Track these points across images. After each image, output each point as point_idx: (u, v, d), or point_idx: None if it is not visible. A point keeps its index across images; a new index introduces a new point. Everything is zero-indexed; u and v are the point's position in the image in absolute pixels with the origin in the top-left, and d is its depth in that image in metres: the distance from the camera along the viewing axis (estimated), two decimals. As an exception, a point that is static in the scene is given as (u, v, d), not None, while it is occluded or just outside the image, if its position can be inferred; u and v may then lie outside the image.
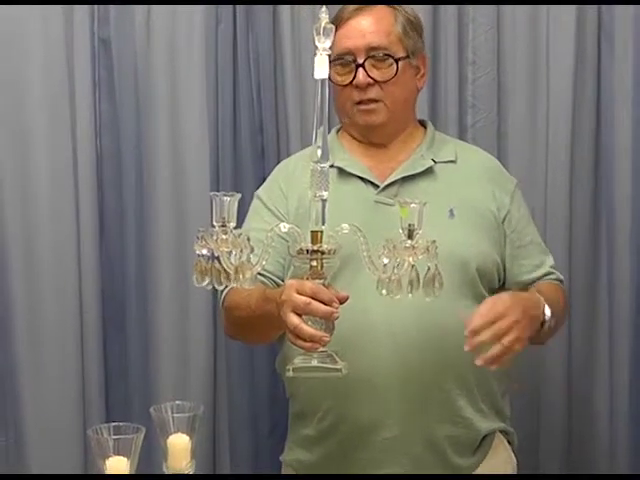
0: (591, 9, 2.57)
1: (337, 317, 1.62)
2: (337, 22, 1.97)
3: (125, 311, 2.60)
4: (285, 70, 2.58)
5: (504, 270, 2.06)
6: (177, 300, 2.55)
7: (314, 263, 1.62)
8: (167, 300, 2.56)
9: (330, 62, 1.95)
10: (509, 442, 2.11)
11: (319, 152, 1.60)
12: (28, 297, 2.49)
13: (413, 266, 1.60)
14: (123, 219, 2.58)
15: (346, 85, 2.00)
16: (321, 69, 1.58)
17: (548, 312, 1.89)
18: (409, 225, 1.59)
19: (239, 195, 1.59)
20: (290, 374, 1.67)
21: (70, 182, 2.51)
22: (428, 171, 2.04)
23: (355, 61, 1.98)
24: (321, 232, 1.61)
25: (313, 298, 1.61)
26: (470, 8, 2.60)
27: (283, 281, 1.98)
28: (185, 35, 2.53)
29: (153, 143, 2.54)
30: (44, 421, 2.51)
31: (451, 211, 1.99)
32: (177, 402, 1.68)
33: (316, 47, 1.58)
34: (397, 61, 2.00)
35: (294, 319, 1.62)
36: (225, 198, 1.56)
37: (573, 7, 2.56)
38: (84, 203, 2.52)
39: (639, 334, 2.62)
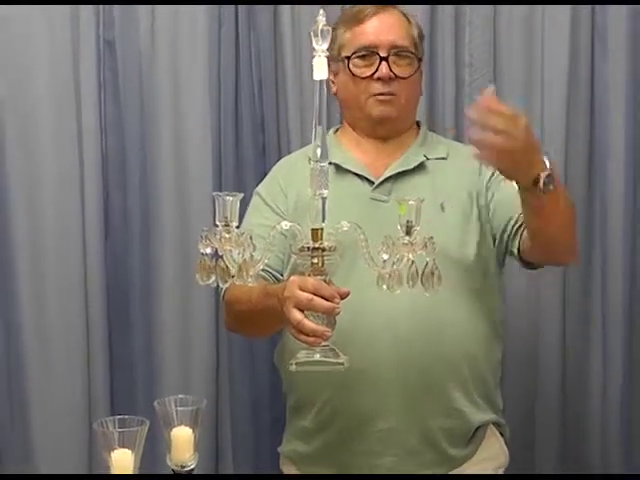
0: (585, 10, 2.58)
1: (339, 312, 1.63)
2: (357, 17, 2.04)
3: (130, 307, 2.60)
4: (286, 69, 2.58)
5: (494, 243, 2.03)
6: (180, 296, 2.56)
7: (315, 260, 1.63)
8: (170, 296, 2.57)
9: (347, 57, 2.01)
10: (501, 434, 2.12)
11: (318, 151, 1.61)
12: (34, 293, 2.50)
13: (413, 262, 1.60)
14: (128, 217, 2.59)
15: (365, 77, 2.02)
16: (320, 70, 1.58)
17: (547, 163, 1.73)
18: (407, 222, 1.60)
19: (241, 195, 1.60)
20: (293, 368, 1.68)
21: (76, 181, 2.51)
22: (420, 167, 2.05)
23: (378, 55, 2.00)
24: (321, 229, 1.62)
25: (315, 294, 1.61)
26: (467, 11, 2.61)
27: (282, 275, 2.00)
28: (188, 37, 2.54)
29: (157, 142, 2.55)
30: (51, 414, 2.52)
31: (442, 205, 2.00)
32: (180, 396, 1.70)
33: (314, 49, 1.58)
34: (419, 60, 2.06)
35: (297, 315, 1.63)
36: (228, 198, 1.57)
37: (567, 10, 2.57)
38: (89, 201, 2.53)
39: (631, 328, 2.63)
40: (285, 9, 2.57)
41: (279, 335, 2.06)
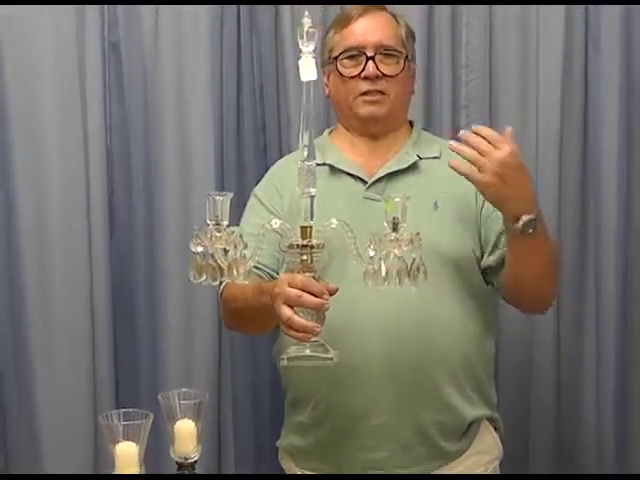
0: (579, 11, 2.56)
1: (328, 308, 1.63)
2: (345, 19, 2.05)
3: (134, 304, 2.62)
4: (286, 71, 2.58)
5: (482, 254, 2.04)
6: (183, 292, 2.56)
7: (304, 257, 1.63)
8: (174, 294, 2.57)
9: (335, 57, 2.02)
10: (495, 429, 2.11)
11: (305, 151, 1.61)
12: (41, 291, 2.51)
13: (399, 258, 1.60)
14: (132, 214, 2.60)
15: (353, 77, 2.02)
16: (307, 71, 1.58)
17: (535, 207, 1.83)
18: (394, 218, 1.60)
19: (231, 194, 1.60)
20: (284, 363, 1.69)
21: (82, 179, 2.53)
22: (413, 167, 2.05)
23: (365, 54, 2.00)
24: (310, 227, 1.62)
25: (304, 291, 1.61)
26: (464, 14, 2.60)
27: (278, 274, 1.99)
28: (191, 38, 2.55)
29: (160, 142, 2.56)
30: (57, 407, 2.53)
31: (435, 204, 1.99)
32: (183, 390, 1.70)
33: (300, 50, 1.58)
34: (405, 59, 2.05)
35: (287, 311, 1.63)
36: (218, 197, 1.58)
37: (562, 12, 2.56)
38: (95, 200, 2.54)
39: (624, 330, 2.62)
40: (286, 11, 2.57)
41: (275, 332, 2.06)
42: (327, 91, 2.12)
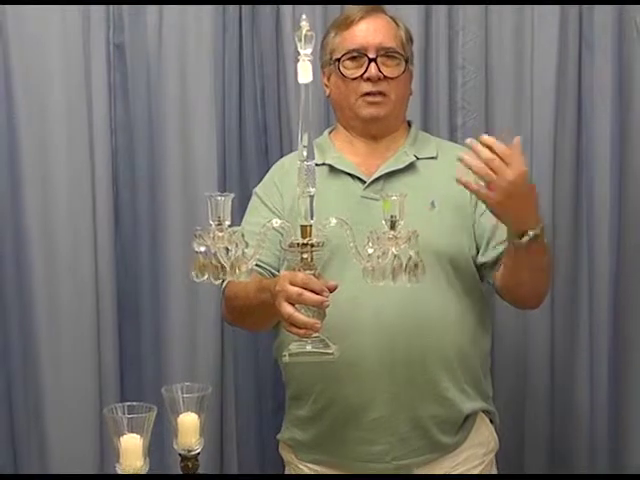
0: (573, 10, 2.56)
1: (328, 305, 1.63)
2: (347, 21, 2.05)
3: (139, 300, 2.62)
4: (287, 73, 2.57)
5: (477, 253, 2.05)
6: (187, 289, 2.56)
7: (305, 255, 1.63)
8: (178, 290, 2.57)
9: (338, 59, 2.02)
10: (491, 421, 2.12)
11: (305, 151, 1.61)
12: (47, 288, 2.51)
13: (396, 255, 1.60)
14: (136, 213, 2.60)
15: (355, 78, 2.02)
16: (304, 74, 1.58)
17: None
18: (391, 217, 1.60)
19: (232, 195, 1.60)
20: (286, 359, 1.69)
21: (87, 179, 2.52)
22: (411, 167, 2.05)
23: (367, 56, 2.01)
24: (310, 226, 1.62)
25: (305, 288, 1.62)
26: (460, 17, 2.60)
27: (279, 271, 2.00)
28: (194, 41, 2.54)
29: (164, 142, 2.55)
30: (63, 401, 2.52)
31: (432, 203, 2.00)
32: (187, 383, 1.71)
33: (298, 53, 1.58)
34: (406, 60, 2.05)
35: (288, 308, 1.64)
36: (219, 198, 1.58)
37: (556, 16, 2.55)
38: (100, 198, 2.54)
39: (617, 326, 2.62)
40: (287, 15, 2.56)
41: (275, 329, 2.06)
42: (327, 92, 2.12)
